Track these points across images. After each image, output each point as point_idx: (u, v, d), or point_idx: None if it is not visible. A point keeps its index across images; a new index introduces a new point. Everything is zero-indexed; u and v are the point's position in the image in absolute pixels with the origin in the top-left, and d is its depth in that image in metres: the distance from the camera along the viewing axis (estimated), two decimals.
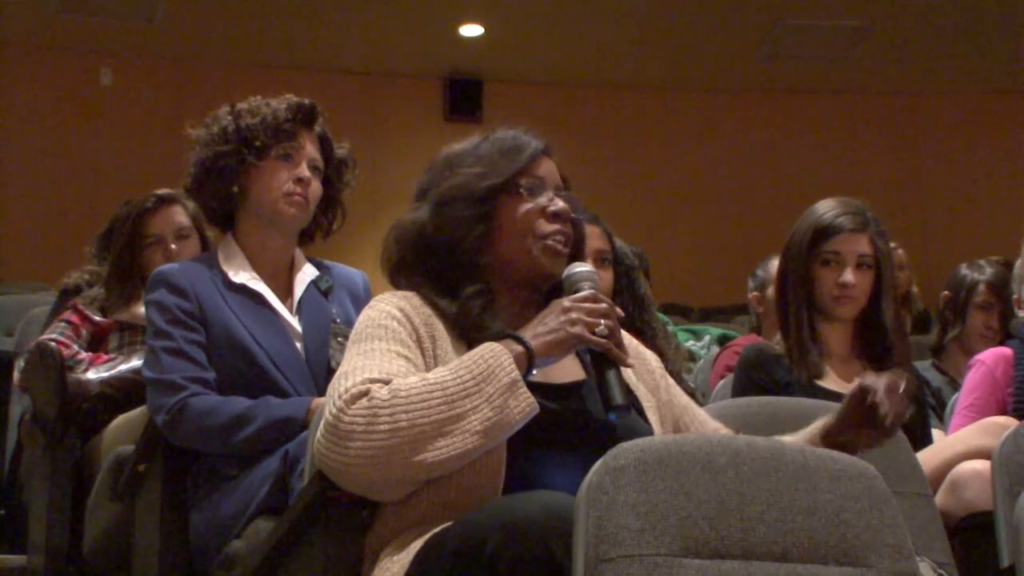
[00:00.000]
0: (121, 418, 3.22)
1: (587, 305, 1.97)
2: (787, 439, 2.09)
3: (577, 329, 1.94)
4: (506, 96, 9.84)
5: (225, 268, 2.82)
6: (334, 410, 1.88)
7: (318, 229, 2.95)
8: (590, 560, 1.62)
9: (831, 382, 2.94)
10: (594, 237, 3.12)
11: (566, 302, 1.98)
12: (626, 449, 1.70)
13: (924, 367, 4.05)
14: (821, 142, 10.28)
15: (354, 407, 1.86)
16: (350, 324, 2.72)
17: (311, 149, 2.85)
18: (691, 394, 2.52)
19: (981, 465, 2.73)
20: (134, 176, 7.78)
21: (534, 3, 8.92)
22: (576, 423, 2.00)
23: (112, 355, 3.47)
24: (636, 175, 10.02)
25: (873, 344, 3.01)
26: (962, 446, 2.90)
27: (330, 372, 2.67)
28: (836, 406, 2.12)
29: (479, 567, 1.68)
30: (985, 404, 3.13)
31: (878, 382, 2.09)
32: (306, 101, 2.86)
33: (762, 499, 1.72)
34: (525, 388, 1.88)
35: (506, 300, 2.10)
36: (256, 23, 8.97)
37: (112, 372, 3.36)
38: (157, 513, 2.72)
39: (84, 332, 3.57)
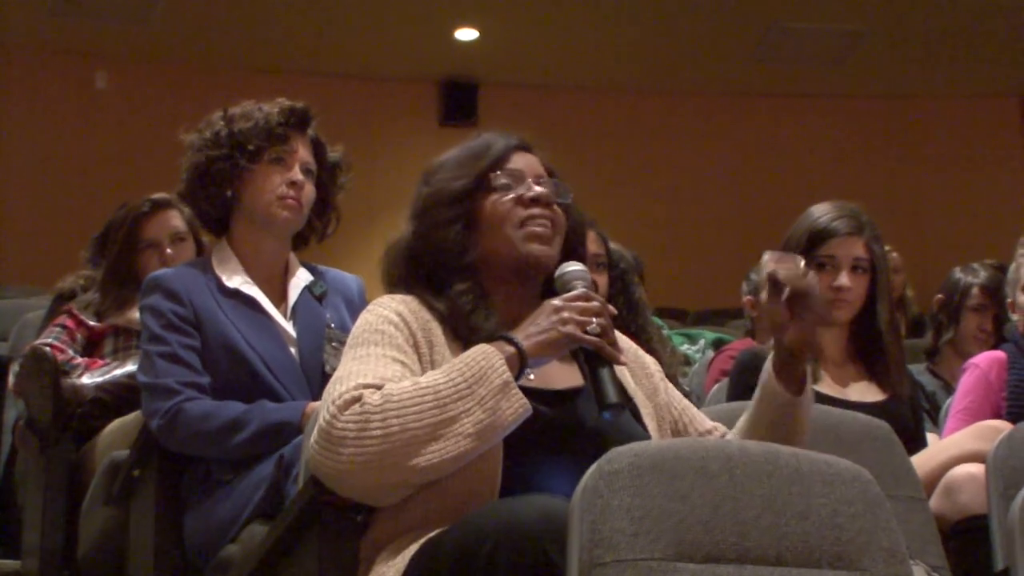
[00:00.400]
0: (116, 423, 3.21)
1: (579, 304, 1.96)
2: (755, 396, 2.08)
3: (569, 328, 1.93)
4: (501, 100, 9.83)
5: (219, 273, 2.82)
6: (327, 416, 1.88)
7: (313, 233, 2.95)
8: (584, 565, 1.62)
9: (826, 386, 2.93)
10: (589, 241, 3.11)
11: (557, 301, 1.98)
12: (621, 453, 1.70)
13: (918, 371, 4.05)
14: (817, 146, 10.29)
15: (347, 413, 1.86)
16: (344, 329, 2.72)
17: (304, 153, 2.85)
18: (686, 398, 2.52)
19: (975, 469, 2.73)
20: (129, 179, 7.74)
21: (529, 7, 8.92)
22: (572, 428, 2.00)
23: (107, 360, 3.46)
24: (631, 179, 10.00)
25: (868, 348, 3.00)
26: (956, 450, 2.90)
27: (324, 377, 2.67)
28: (830, 410, 2.11)
29: (476, 571, 1.68)
30: (979, 408, 3.13)
31: (776, 269, 2.02)
32: (299, 105, 2.86)
33: (756, 503, 1.72)
34: (517, 389, 1.88)
35: (501, 297, 2.09)
36: (251, 27, 8.96)
37: (107, 377, 3.35)
38: (152, 518, 2.72)
39: (79, 337, 3.56)
